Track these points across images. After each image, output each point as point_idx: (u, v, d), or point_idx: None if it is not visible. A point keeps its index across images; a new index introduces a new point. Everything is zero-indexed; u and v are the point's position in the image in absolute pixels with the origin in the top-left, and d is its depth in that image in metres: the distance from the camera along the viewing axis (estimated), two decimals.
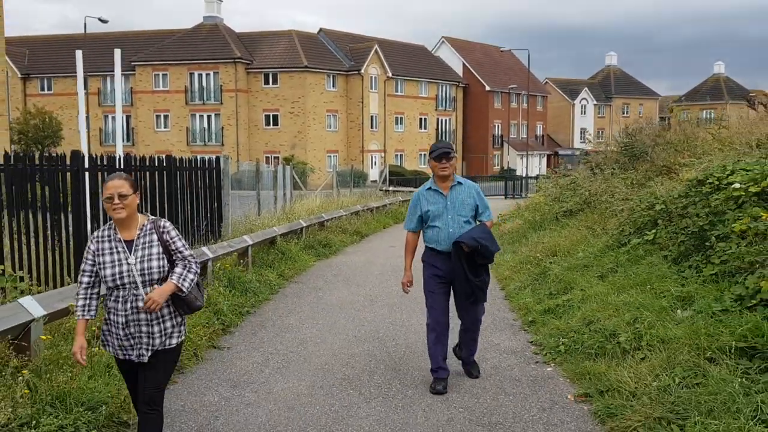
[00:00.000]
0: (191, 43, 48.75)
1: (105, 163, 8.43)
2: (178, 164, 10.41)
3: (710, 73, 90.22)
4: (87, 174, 7.96)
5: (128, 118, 49.53)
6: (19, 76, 51.11)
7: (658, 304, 5.92)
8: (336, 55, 50.87)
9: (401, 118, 54.56)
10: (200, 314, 6.49)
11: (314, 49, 49.67)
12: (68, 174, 7.71)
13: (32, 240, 6.95)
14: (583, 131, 78.02)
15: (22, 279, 6.27)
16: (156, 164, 9.72)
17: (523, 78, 59.00)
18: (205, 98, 47.84)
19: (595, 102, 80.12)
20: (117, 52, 12.76)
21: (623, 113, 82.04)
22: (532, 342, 6.59)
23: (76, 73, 12.16)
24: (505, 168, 61.90)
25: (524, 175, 46.01)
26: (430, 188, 5.47)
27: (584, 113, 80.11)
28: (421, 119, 56.49)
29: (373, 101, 51.40)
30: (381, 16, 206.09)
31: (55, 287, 6.53)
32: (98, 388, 4.29)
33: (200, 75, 47.75)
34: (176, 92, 47.94)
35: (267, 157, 46.13)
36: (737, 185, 6.65)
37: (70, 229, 7.60)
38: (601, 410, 4.51)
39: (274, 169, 19.08)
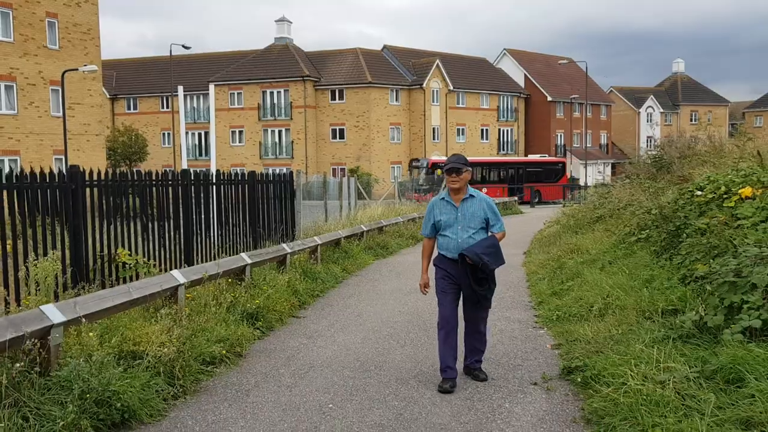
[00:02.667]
0: (263, 63, 52.07)
1: (204, 178, 10.74)
2: (259, 178, 12.70)
3: None
4: (200, 186, 10.29)
5: (206, 134, 53.19)
6: (108, 96, 55.56)
7: (629, 284, 7.72)
8: (399, 70, 53.18)
9: (462, 129, 56.33)
10: (283, 292, 8.66)
11: (378, 66, 52.14)
12: (180, 187, 10.04)
13: (153, 238, 9.24)
14: (649, 139, 77.56)
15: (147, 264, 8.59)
16: (241, 179, 12.02)
17: (586, 88, 59.75)
18: (276, 114, 50.99)
19: (661, 110, 79.61)
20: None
21: (691, 120, 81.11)
22: (536, 315, 8.45)
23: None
24: (568, 177, 62.71)
25: (584, 184, 46.95)
26: (443, 198, 5.78)
27: (650, 121, 79.63)
28: (482, 130, 58.10)
29: (435, 114, 53.42)
30: (444, 26, 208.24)
31: (167, 270, 8.79)
32: (220, 330, 6.47)
33: (272, 92, 50.93)
34: (250, 109, 51.29)
35: (334, 169, 48.79)
36: (699, 193, 8.35)
37: (180, 229, 9.89)
38: (563, 350, 6.39)
39: (340, 180, 21.33)
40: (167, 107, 54.68)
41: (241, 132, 51.77)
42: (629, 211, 11.84)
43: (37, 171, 7.02)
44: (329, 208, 18.46)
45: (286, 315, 8.27)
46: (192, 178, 10.44)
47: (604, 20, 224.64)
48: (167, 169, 10.08)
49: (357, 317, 8.52)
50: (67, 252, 7.27)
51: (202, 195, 10.36)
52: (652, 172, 16.08)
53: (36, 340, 4.52)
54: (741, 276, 5.33)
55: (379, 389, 5.50)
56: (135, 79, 56.70)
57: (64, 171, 7.62)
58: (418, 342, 7.14)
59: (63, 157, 29.83)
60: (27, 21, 28.08)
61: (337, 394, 5.37)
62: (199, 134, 54.11)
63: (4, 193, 6.55)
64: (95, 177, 8.00)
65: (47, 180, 7.24)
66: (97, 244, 7.83)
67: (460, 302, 5.75)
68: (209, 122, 53.15)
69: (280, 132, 51.04)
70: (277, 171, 33.14)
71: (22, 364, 4.32)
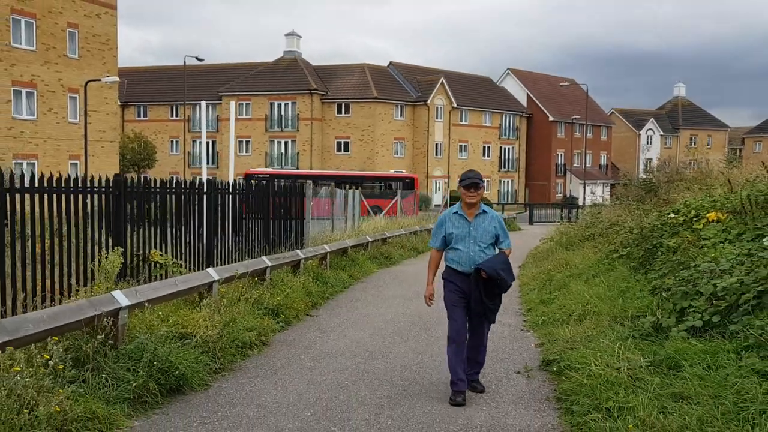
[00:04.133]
0: (272, 75, 53.36)
1: (223, 187, 11.76)
2: (274, 189, 13.75)
3: None
4: (219, 195, 11.33)
5: (213, 143, 54.41)
6: (119, 104, 56.75)
7: (607, 295, 8.75)
8: (404, 86, 54.46)
9: (465, 146, 57.53)
10: (298, 292, 9.68)
11: (384, 81, 53.42)
12: (204, 196, 11.08)
13: (180, 241, 10.26)
14: (648, 161, 78.83)
15: (178, 264, 9.61)
16: (256, 189, 13.05)
17: (588, 109, 61.00)
18: (283, 126, 52.22)
19: (661, 133, 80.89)
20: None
21: (691, 144, 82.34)
22: (524, 320, 9.46)
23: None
24: (567, 196, 63.85)
25: (582, 204, 48.03)
26: (456, 212, 5.84)
27: (650, 143, 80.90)
28: (484, 147, 59.30)
29: (438, 130, 54.65)
30: (449, 42, 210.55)
31: (197, 269, 9.79)
32: (249, 321, 7.50)
33: (279, 104, 52.19)
34: (257, 120, 52.50)
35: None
36: (672, 215, 9.39)
37: (203, 234, 10.92)
38: (545, 348, 7.40)
39: (346, 192, 22.38)
40: (176, 115, 55.89)
41: (248, 142, 52.92)
42: (614, 231, 12.88)
43: (55, 175, 7.65)
44: (335, 219, 19.50)
45: (301, 313, 9.28)
46: (214, 187, 11.48)
47: (608, 41, 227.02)
48: (197, 178, 11.09)
49: (364, 317, 9.53)
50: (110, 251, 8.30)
51: (219, 203, 11.39)
52: (641, 195, 17.13)
53: (110, 319, 5.55)
54: (692, 286, 6.36)
55: (386, 372, 6.51)
56: (145, 87, 57.90)
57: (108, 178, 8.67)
58: (419, 338, 8.15)
59: (78, 162, 30.96)
60: (49, 31, 29.28)
61: (350, 375, 6.38)
62: (207, 143, 55.24)
63: (62, 196, 7.57)
64: (134, 185, 9.05)
65: (96, 186, 8.28)
66: (134, 245, 8.86)
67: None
68: (217, 131, 54.22)
69: (286, 143, 52.24)
70: (293, 183, 33.96)
71: (101, 337, 5.34)
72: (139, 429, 4.82)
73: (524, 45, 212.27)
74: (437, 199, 51.82)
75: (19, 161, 28.25)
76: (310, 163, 51.00)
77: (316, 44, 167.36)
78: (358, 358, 7.04)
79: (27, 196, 6.66)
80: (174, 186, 10.47)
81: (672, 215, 9.53)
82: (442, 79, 54.23)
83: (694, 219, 9.40)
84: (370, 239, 17.07)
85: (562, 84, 56.59)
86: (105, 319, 5.47)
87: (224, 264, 10.59)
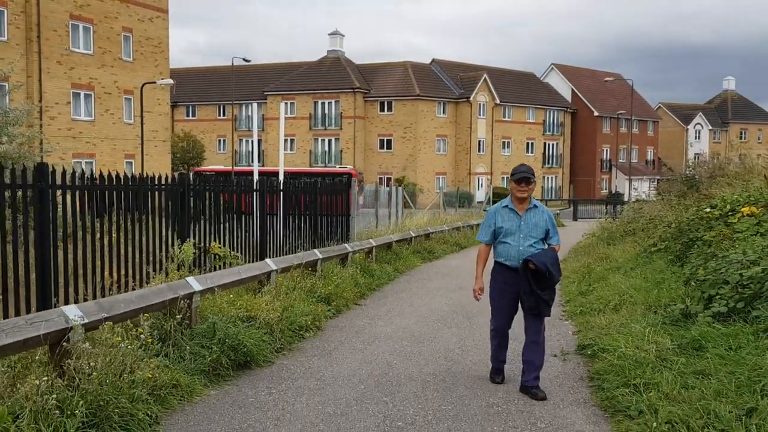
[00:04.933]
0: (316, 74, 54.31)
1: (274, 186, 12.45)
2: (322, 186, 14.41)
3: None
4: (271, 193, 12.03)
5: (259, 141, 55.68)
6: (169, 104, 58.56)
7: (643, 286, 9.13)
8: (447, 83, 54.79)
9: (508, 142, 57.57)
10: (348, 283, 10.30)
11: (426, 79, 53.84)
12: (258, 193, 11.79)
13: (236, 235, 10.98)
14: (697, 156, 77.41)
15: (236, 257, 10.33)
16: (306, 187, 13.73)
17: (634, 103, 60.36)
18: (326, 124, 53.14)
19: (710, 127, 79.33)
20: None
21: (741, 138, 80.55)
22: (563, 311, 9.89)
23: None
24: (613, 192, 63.28)
25: (627, 200, 47.68)
26: (506, 206, 5.85)
27: (698, 138, 79.43)
28: (528, 143, 59.23)
29: (481, 126, 54.82)
30: (491, 37, 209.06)
31: (251, 261, 10.48)
32: (304, 306, 8.14)
33: (323, 103, 53.13)
34: (302, 118, 53.53)
35: (380, 178, 50.55)
36: (708, 209, 9.70)
37: (258, 228, 11.61)
38: (581, 335, 7.85)
39: (389, 190, 22.99)
40: (223, 115, 57.35)
41: (292, 140, 53.97)
42: (653, 225, 13.15)
43: (113, 173, 8.11)
44: (379, 215, 20.13)
45: (350, 302, 9.90)
46: (267, 185, 12.19)
47: (655, 34, 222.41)
48: (249, 177, 11.81)
49: (409, 306, 10.10)
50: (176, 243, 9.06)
51: (272, 200, 12.07)
52: (683, 190, 17.25)
53: (186, 301, 6.24)
54: (721, 275, 6.74)
55: (432, 354, 7.08)
56: (193, 88, 59.52)
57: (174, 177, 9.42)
58: (462, 326, 8.69)
59: (132, 161, 32.29)
60: (105, 35, 30.61)
61: (399, 356, 6.96)
62: (252, 141, 56.53)
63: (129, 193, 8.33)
64: (195, 184, 9.79)
65: (163, 184, 9.03)
66: (196, 238, 9.59)
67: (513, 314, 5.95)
68: (263, 130, 55.31)
69: (330, 141, 53.15)
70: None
71: (179, 317, 6.03)
72: (215, 397, 5.48)
73: (569, 39, 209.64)
74: (480, 195, 52.07)
75: (78, 160, 29.63)
76: (354, 161, 51.78)
77: (357, 42, 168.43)
78: (405, 342, 7.61)
79: (106, 193, 7.42)
80: (232, 184, 11.24)
81: (708, 210, 9.83)
82: (485, 75, 54.37)
83: (730, 213, 9.68)
84: (413, 234, 17.62)
85: (606, 79, 56.11)
86: (182, 302, 6.15)
87: (276, 256, 11.28)
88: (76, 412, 4.10)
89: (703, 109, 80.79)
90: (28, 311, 5.89)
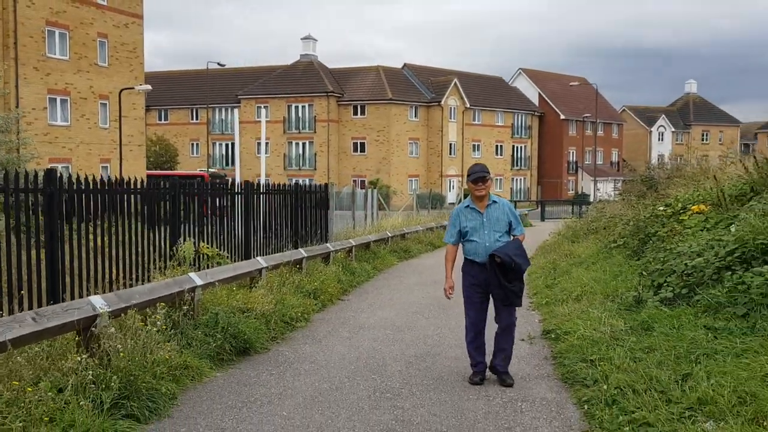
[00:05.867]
0: (289, 78, 54.83)
1: (259, 188, 13.06)
2: (302, 189, 15.07)
3: None
4: (260, 195, 12.65)
5: (232, 144, 55.97)
6: (144, 108, 58.52)
7: (602, 278, 9.98)
8: (418, 88, 55.73)
9: (478, 145, 58.70)
10: (331, 279, 10.99)
11: (398, 83, 54.71)
12: (243, 196, 12.40)
13: (222, 236, 11.58)
14: (660, 158, 79.53)
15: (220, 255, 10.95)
16: (287, 189, 14.37)
17: (599, 106, 61.95)
18: (300, 127, 53.69)
19: (673, 129, 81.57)
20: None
21: (703, 140, 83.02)
22: (531, 302, 10.70)
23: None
24: (579, 193, 64.84)
25: (593, 200, 49.08)
26: (468, 206, 6.09)
27: (662, 140, 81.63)
28: (497, 146, 60.46)
29: (452, 130, 55.88)
30: (459, 40, 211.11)
31: (237, 260, 11.09)
32: (294, 300, 8.81)
33: (297, 107, 53.67)
34: (276, 122, 53.95)
35: (354, 181, 51.17)
36: (661, 208, 10.60)
37: (243, 229, 12.23)
38: (546, 322, 8.66)
39: (365, 192, 23.70)
40: (196, 119, 57.55)
41: (266, 144, 54.27)
42: (614, 224, 14.08)
43: (90, 178, 8.65)
44: (356, 217, 20.83)
45: (335, 297, 10.60)
46: (251, 188, 12.81)
47: (620, 37, 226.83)
48: (231, 179, 12.40)
49: (389, 300, 10.82)
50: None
51: (254, 202, 12.70)
52: (642, 191, 18.29)
53: (190, 294, 6.87)
54: (669, 266, 7.59)
55: (412, 340, 7.81)
56: (165, 92, 59.55)
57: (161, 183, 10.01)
58: (438, 316, 9.43)
59: (108, 166, 32.52)
60: (81, 41, 30.81)
61: (383, 342, 7.68)
62: (226, 145, 56.87)
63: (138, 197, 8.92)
64: (186, 188, 10.39)
65: (157, 188, 9.63)
66: (187, 239, 10.19)
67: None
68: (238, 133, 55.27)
69: (304, 144, 53.70)
70: (300, 182, 35.22)
71: (186, 308, 6.67)
72: (221, 378, 6.14)
73: (535, 43, 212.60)
74: (451, 197, 53.08)
75: (54, 165, 29.79)
76: (328, 164, 52.42)
77: (326, 46, 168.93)
78: (387, 330, 8.33)
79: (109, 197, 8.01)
80: (219, 188, 11.84)
81: (662, 208, 10.73)
82: (455, 80, 55.42)
83: (681, 211, 10.60)
84: (390, 234, 18.35)
85: (572, 84, 57.60)
86: (186, 294, 6.79)
87: (258, 256, 11.91)
88: (112, 384, 4.73)
89: (665, 112, 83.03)
90: (39, 305, 6.48)
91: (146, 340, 5.39)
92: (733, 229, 7.81)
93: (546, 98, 65.14)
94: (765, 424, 4.05)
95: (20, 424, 4.10)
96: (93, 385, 4.74)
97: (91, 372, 4.78)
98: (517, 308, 6.18)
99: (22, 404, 4.25)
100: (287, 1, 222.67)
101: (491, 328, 6.27)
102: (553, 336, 7.65)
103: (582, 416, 5.13)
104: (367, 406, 5.36)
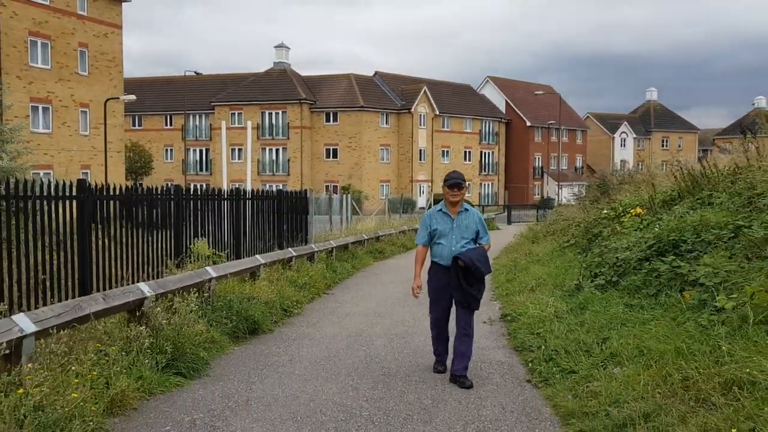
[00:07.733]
0: (263, 85, 56.01)
1: (243, 195, 14.39)
2: (284, 195, 16.45)
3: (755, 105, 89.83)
4: (248, 201, 14.00)
5: (207, 150, 56.92)
6: (123, 115, 59.06)
7: (555, 272, 11.58)
8: (389, 95, 57.36)
9: (447, 151, 60.54)
10: (318, 275, 12.41)
11: (369, 90, 56.28)
12: (233, 201, 13.74)
13: (215, 237, 12.90)
14: (622, 163, 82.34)
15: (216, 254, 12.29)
16: (271, 195, 15.75)
17: (564, 113, 64.30)
18: (274, 134, 54.87)
19: (635, 135, 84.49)
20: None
21: (663, 146, 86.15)
22: (493, 294, 12.25)
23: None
24: (545, 197, 67.12)
25: (558, 204, 51.16)
26: (440, 210, 6.34)
27: (624, 146, 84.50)
28: (465, 152, 62.37)
29: (422, 136, 57.61)
30: (428, 48, 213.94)
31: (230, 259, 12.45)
32: (289, 292, 10.22)
33: (270, 113, 54.85)
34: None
35: (327, 186, 52.59)
36: (605, 211, 12.24)
37: (233, 231, 13.55)
38: (505, 308, 10.20)
39: (341, 197, 25.14)
40: (170, 125, 58.34)
41: (240, 150, 55.35)
42: (568, 225, 15.75)
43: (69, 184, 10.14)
44: (332, 220, 22.26)
45: (321, 290, 12.03)
46: (241, 194, 14.17)
47: (584, 45, 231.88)
48: (218, 187, 13.70)
49: (369, 294, 12.29)
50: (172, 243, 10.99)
51: (242, 207, 14.05)
52: (597, 196, 20.04)
53: (208, 284, 8.25)
54: (604, 259, 9.18)
55: (392, 323, 9.28)
56: (139, 98, 60.09)
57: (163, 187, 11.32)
58: (414, 306, 10.89)
59: (89, 172, 33.42)
60: (63, 50, 31.75)
61: (368, 325, 9.14)
62: (200, 151, 57.78)
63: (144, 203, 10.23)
64: (184, 193, 11.71)
65: (164, 194, 10.94)
66: (187, 239, 11.52)
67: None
68: (210, 139, 56.30)
69: (277, 150, 54.90)
70: (275, 187, 36.82)
71: (206, 295, 8.04)
72: (239, 350, 7.53)
73: (501, 49, 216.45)
74: (422, 201, 54.76)
75: (36, 171, 30.63)
76: (301, 170, 53.69)
77: (298, 50, 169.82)
78: (370, 316, 9.79)
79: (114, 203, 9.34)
80: (211, 194, 13.17)
81: (606, 212, 12.39)
82: (425, 87, 57.18)
83: (623, 214, 12.26)
84: (366, 237, 19.82)
85: (537, 92, 59.78)
86: (206, 284, 8.17)
87: (246, 256, 13.26)
88: (166, 348, 6.11)
89: (628, 119, 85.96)
90: (67, 297, 7.75)
91: (185, 318, 6.76)
92: (657, 228, 9.42)
93: (513, 106, 67.31)
94: (654, 366, 5.58)
95: (105, 374, 5.46)
96: (149, 350, 6.11)
97: (147, 340, 6.14)
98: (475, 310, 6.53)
99: (104, 362, 5.60)
100: (256, 6, 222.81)
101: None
102: (509, 318, 9.19)
103: (527, 372, 6.66)
104: (361, 367, 6.82)
